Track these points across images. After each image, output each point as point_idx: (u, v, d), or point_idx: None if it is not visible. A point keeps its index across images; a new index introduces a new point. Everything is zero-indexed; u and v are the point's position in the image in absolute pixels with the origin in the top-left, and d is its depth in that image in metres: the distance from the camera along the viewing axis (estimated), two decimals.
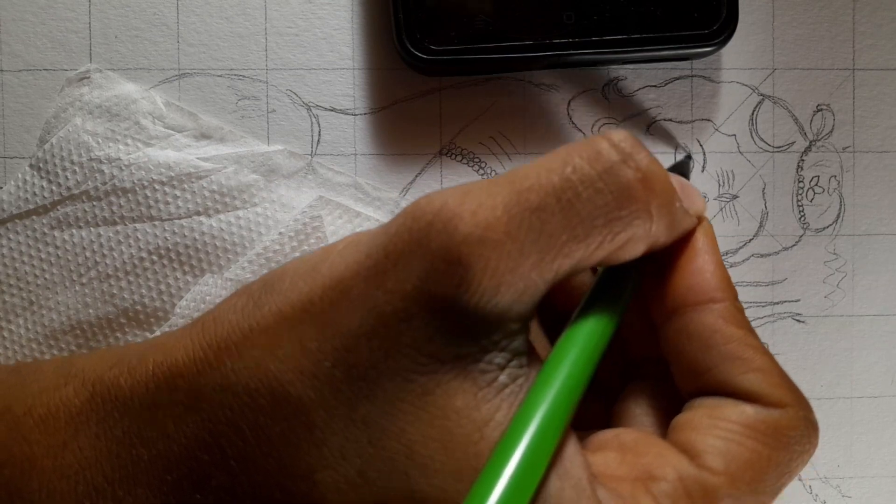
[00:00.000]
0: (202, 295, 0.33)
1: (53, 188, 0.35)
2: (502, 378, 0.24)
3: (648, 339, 0.28)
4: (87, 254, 0.34)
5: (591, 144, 0.24)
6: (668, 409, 0.28)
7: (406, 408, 0.24)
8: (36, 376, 0.28)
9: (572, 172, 0.24)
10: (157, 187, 0.34)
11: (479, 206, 0.23)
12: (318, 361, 0.24)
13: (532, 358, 0.25)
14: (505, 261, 0.23)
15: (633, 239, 0.25)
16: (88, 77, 0.35)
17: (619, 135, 0.24)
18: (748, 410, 0.25)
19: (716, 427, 0.25)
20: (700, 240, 0.27)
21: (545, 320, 0.31)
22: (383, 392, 0.24)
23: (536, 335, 0.30)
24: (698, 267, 0.27)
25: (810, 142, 0.37)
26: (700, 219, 0.28)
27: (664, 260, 0.27)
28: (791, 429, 0.25)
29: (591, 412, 0.29)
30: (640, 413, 0.28)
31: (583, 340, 0.25)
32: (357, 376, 0.24)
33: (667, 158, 0.37)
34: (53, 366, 0.28)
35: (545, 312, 0.31)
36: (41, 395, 0.27)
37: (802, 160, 0.38)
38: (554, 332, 0.30)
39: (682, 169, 0.35)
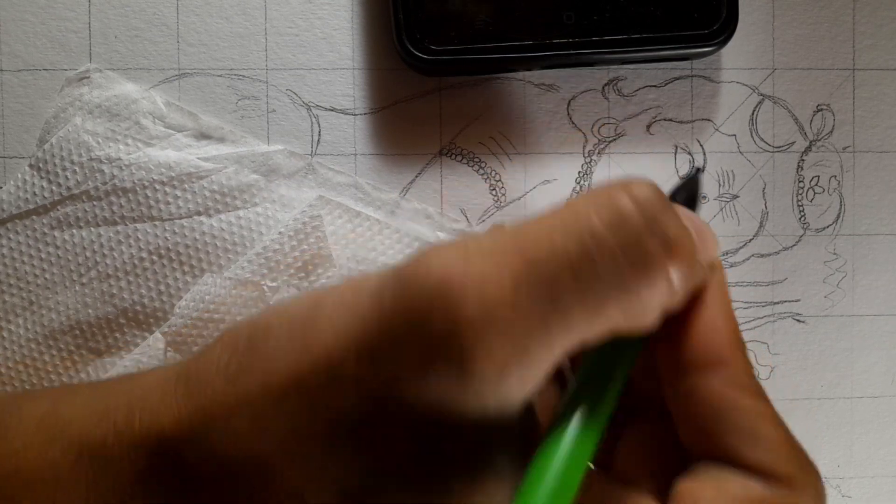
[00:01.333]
0: (201, 294, 0.33)
1: (53, 188, 0.34)
2: (501, 460, 0.23)
3: (652, 380, 0.27)
4: (88, 254, 0.34)
5: (611, 201, 0.22)
6: (670, 456, 0.26)
7: (399, 490, 0.23)
8: (18, 430, 0.27)
9: (591, 240, 0.21)
10: (157, 187, 0.34)
11: (484, 281, 0.21)
12: (307, 441, 0.23)
13: (534, 433, 0.24)
14: (511, 345, 0.21)
15: (651, 310, 0.23)
16: (88, 77, 0.35)
17: (644, 189, 0.22)
18: (756, 488, 0.23)
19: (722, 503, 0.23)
20: (711, 291, 0.25)
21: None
22: (376, 474, 0.23)
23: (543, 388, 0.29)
24: (708, 323, 0.24)
25: (810, 142, 0.37)
26: (713, 267, 0.25)
27: (672, 315, 0.25)
28: None
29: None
30: (643, 459, 0.27)
31: (579, 422, 0.24)
32: (348, 457, 0.23)
33: (667, 159, 0.37)
34: (37, 416, 0.27)
35: None
36: (26, 453, 0.26)
37: (802, 160, 0.38)
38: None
39: (690, 190, 0.30)
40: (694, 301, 0.25)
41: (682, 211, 0.24)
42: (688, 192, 0.29)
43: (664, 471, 0.26)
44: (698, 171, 0.31)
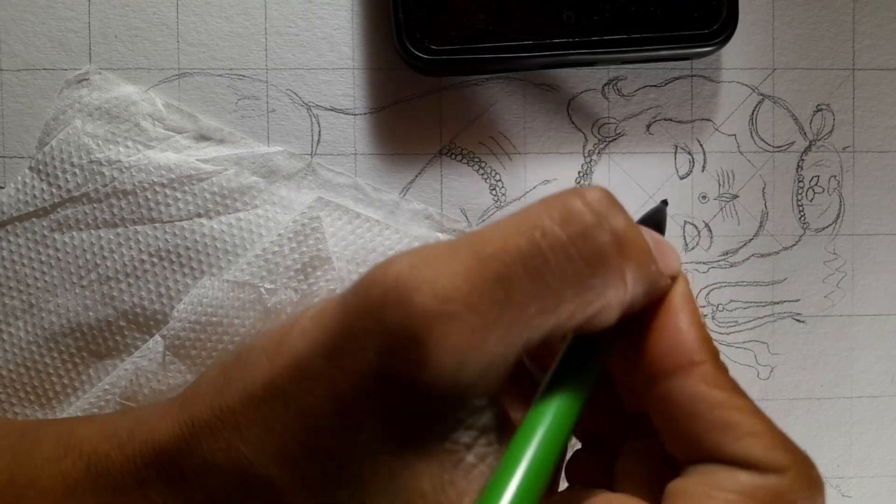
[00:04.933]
0: (199, 298, 0.33)
1: (54, 190, 0.35)
2: (469, 458, 0.23)
3: (640, 398, 0.27)
4: (88, 256, 0.34)
5: (563, 203, 0.22)
6: (666, 468, 0.26)
7: (374, 490, 0.23)
8: (40, 446, 0.28)
9: (541, 236, 0.22)
10: (157, 189, 0.34)
11: (437, 276, 0.22)
12: (284, 443, 0.23)
13: (504, 433, 0.24)
14: (467, 336, 0.21)
15: (607, 307, 0.23)
16: (87, 79, 0.35)
17: (595, 192, 0.23)
18: (744, 478, 0.23)
19: (710, 498, 0.23)
20: (675, 299, 0.25)
21: (524, 377, 0.30)
22: (350, 473, 0.23)
23: (514, 400, 0.29)
24: (674, 328, 0.25)
25: (810, 142, 0.37)
26: (674, 278, 0.26)
27: (639, 322, 0.26)
28: (794, 492, 0.23)
29: (594, 468, 0.28)
30: (639, 472, 0.27)
31: (550, 418, 0.24)
32: (323, 456, 0.23)
33: (667, 159, 0.37)
34: (56, 433, 0.28)
35: (523, 368, 0.29)
36: (43, 466, 0.27)
37: (802, 160, 0.38)
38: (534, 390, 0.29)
39: (657, 218, 0.32)
40: (660, 310, 0.25)
41: (644, 229, 0.25)
42: (654, 221, 0.31)
43: (661, 483, 0.25)
44: (664, 202, 0.33)
